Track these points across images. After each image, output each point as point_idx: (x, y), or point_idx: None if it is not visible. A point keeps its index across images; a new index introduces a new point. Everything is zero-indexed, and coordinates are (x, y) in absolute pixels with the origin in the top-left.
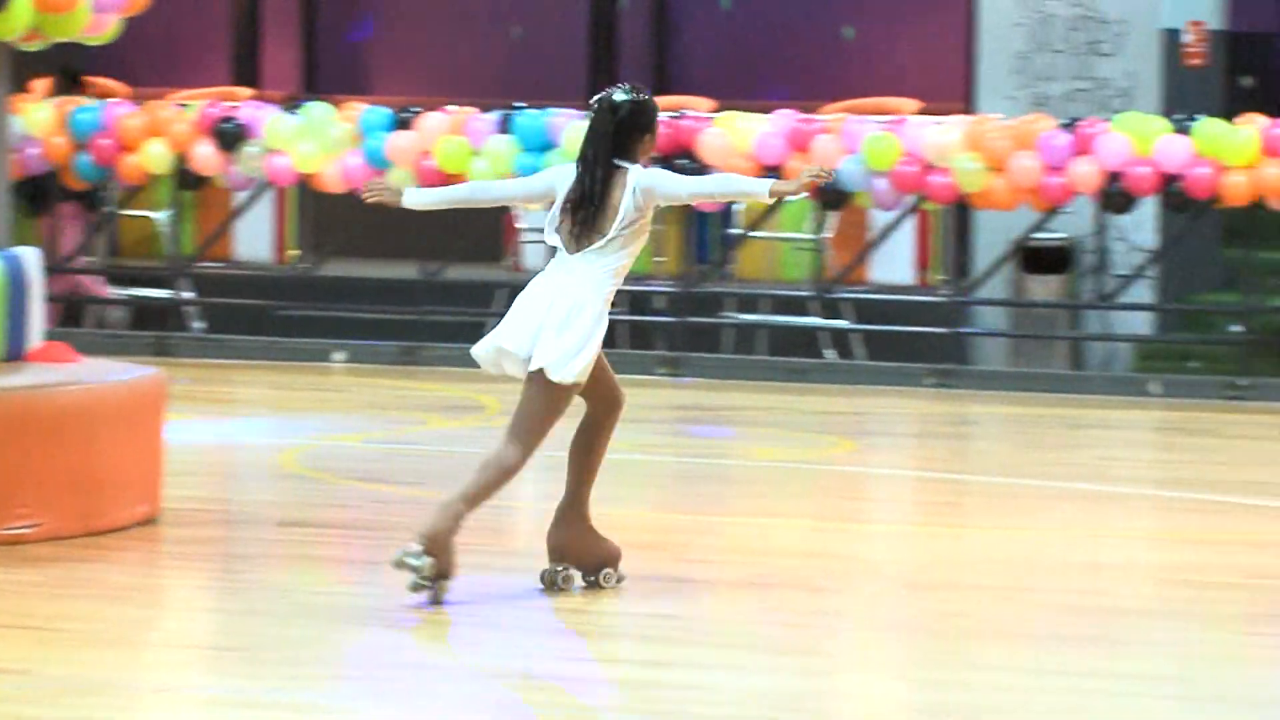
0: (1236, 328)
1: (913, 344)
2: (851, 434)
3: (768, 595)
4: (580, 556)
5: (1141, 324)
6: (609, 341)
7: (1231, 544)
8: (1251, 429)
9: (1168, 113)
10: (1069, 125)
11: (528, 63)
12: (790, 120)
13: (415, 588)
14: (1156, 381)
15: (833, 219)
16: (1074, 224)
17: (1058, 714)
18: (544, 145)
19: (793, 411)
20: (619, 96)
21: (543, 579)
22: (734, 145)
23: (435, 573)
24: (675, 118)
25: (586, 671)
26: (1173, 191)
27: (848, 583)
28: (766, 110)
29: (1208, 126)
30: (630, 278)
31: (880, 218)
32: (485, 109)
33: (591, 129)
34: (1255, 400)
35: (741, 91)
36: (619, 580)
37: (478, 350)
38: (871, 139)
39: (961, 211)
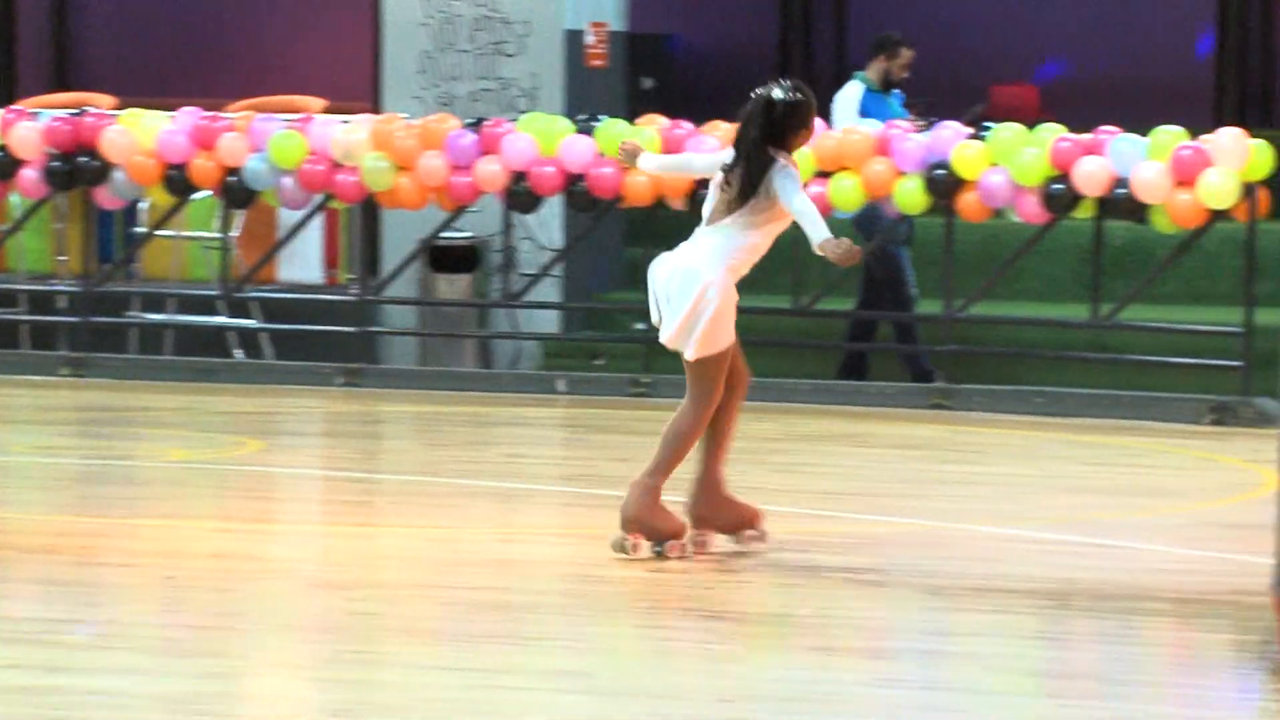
0: (640, 325)
1: (322, 343)
2: (260, 434)
3: (174, 597)
4: (720, 522)
5: (548, 322)
6: (7, 341)
7: None
8: (655, 425)
9: (571, 113)
10: (475, 125)
11: None
12: (194, 118)
13: (655, 555)
14: (563, 379)
15: (240, 218)
16: (481, 223)
17: (466, 711)
18: None
19: (201, 412)
20: (777, 94)
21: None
22: (138, 143)
23: (653, 540)
24: (76, 115)
25: None
26: (577, 191)
27: (256, 584)
28: (170, 108)
29: (610, 127)
30: (30, 276)
31: (288, 216)
32: None
33: (747, 120)
34: (659, 396)
35: (145, 88)
36: (761, 539)
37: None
38: (278, 137)
39: (369, 210)
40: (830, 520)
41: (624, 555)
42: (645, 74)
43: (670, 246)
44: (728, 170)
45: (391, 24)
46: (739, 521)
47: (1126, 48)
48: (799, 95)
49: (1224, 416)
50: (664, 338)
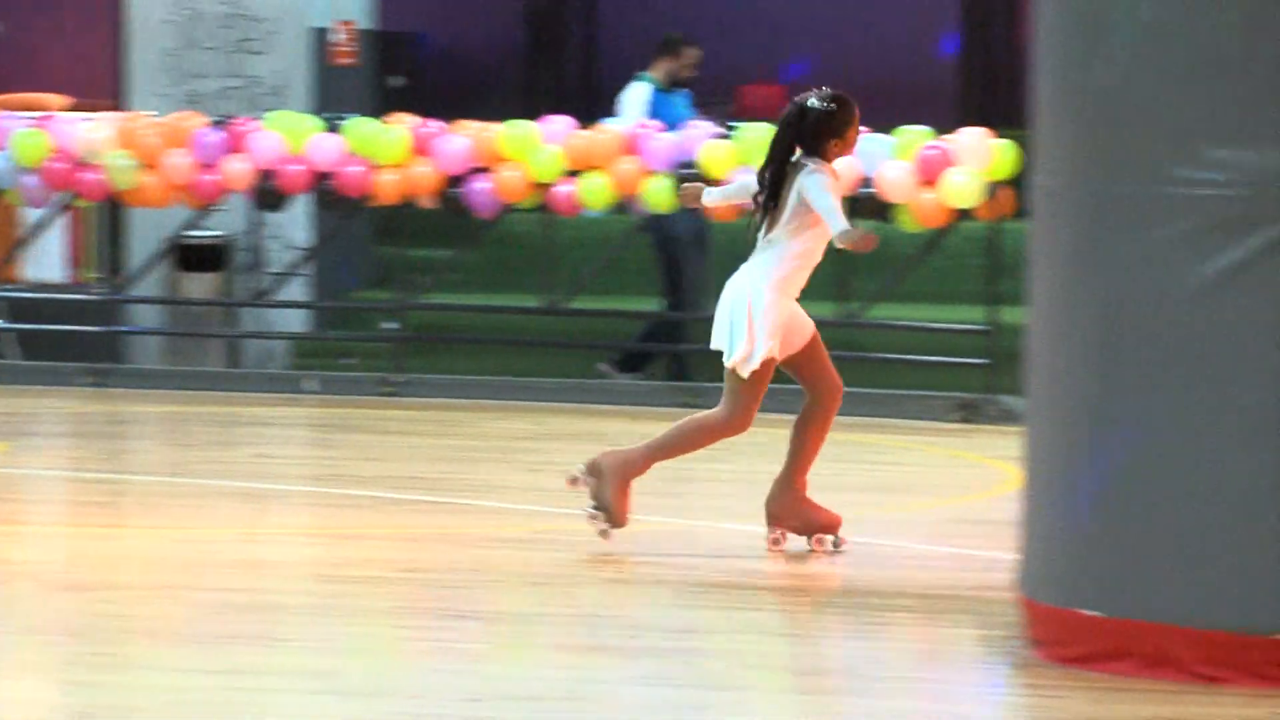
0: (390, 325)
1: (67, 343)
2: (4, 435)
3: None
4: (795, 523)
5: (297, 321)
6: None
7: (383, 539)
8: (405, 424)
9: (319, 111)
10: (221, 123)
11: None
12: None
13: (590, 516)
14: (313, 379)
15: None
16: (228, 221)
17: (214, 712)
18: None
19: None
20: (812, 102)
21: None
22: None
23: (594, 500)
24: None
25: None
26: (325, 189)
27: None
28: None
29: (359, 125)
30: None
31: (31, 215)
32: None
33: (780, 127)
34: (409, 396)
35: None
36: (835, 545)
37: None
38: (20, 135)
39: (114, 209)
40: (582, 518)
41: (570, 483)
42: (394, 72)
43: (420, 244)
44: (756, 185)
45: (136, 21)
46: (813, 525)
47: (872, 47)
48: (833, 105)
49: (970, 413)
50: (713, 343)
